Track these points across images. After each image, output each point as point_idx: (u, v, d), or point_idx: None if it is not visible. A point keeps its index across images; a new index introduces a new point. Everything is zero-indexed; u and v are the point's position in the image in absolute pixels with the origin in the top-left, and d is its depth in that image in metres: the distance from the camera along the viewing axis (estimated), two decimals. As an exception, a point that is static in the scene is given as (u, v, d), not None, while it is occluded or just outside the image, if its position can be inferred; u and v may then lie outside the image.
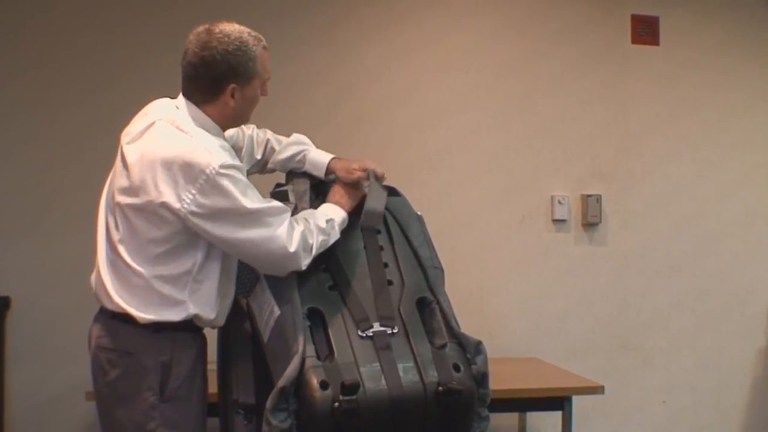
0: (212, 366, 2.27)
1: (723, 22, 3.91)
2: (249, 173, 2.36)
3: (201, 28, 2.05)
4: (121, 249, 2.00)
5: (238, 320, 2.25)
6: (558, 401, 3.07)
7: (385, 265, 2.15)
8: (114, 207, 2.05)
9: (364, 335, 1.96)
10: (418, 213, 2.36)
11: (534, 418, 3.59)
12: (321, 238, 2.05)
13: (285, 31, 3.50)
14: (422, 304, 2.09)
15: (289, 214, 2.03)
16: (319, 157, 2.32)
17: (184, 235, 1.97)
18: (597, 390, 3.08)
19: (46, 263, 3.27)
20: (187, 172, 1.91)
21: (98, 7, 3.36)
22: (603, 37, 3.79)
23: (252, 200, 1.96)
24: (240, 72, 2.02)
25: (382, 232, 2.23)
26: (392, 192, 2.39)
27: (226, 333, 2.27)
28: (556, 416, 3.10)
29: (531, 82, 3.72)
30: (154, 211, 1.95)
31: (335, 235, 2.10)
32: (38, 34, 3.32)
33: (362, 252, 2.16)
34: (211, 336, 2.28)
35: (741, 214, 3.90)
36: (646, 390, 3.79)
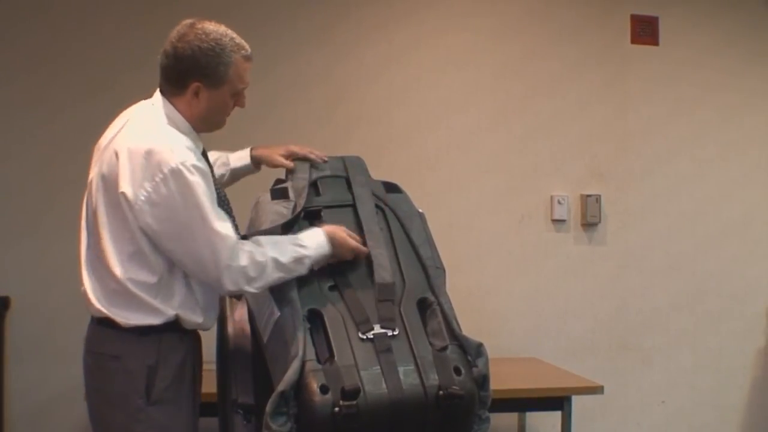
0: (211, 366, 2.27)
1: (722, 22, 3.91)
2: None
3: (187, 21, 2.03)
4: (98, 252, 1.98)
5: (237, 321, 2.25)
6: (557, 401, 3.07)
7: None
8: (90, 207, 2.02)
9: (365, 337, 1.95)
10: (420, 211, 2.34)
11: (533, 418, 3.59)
12: (278, 274, 1.99)
13: (284, 31, 3.50)
14: (423, 305, 2.08)
15: (235, 245, 1.94)
16: (239, 152, 2.38)
17: (145, 236, 1.94)
18: (596, 390, 3.09)
19: (45, 263, 3.28)
20: (147, 167, 1.89)
21: (98, 8, 3.36)
22: (602, 37, 3.79)
23: (205, 213, 1.91)
24: (208, 73, 1.98)
25: (383, 230, 2.21)
26: (393, 188, 2.37)
27: (225, 333, 2.27)
28: (556, 416, 3.10)
29: (531, 82, 3.72)
30: (118, 205, 1.92)
31: (301, 271, 2.03)
32: (37, 35, 3.32)
33: None
34: (211, 336, 2.28)
35: (740, 214, 3.90)
36: (645, 390, 3.79)
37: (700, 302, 3.85)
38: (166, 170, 1.88)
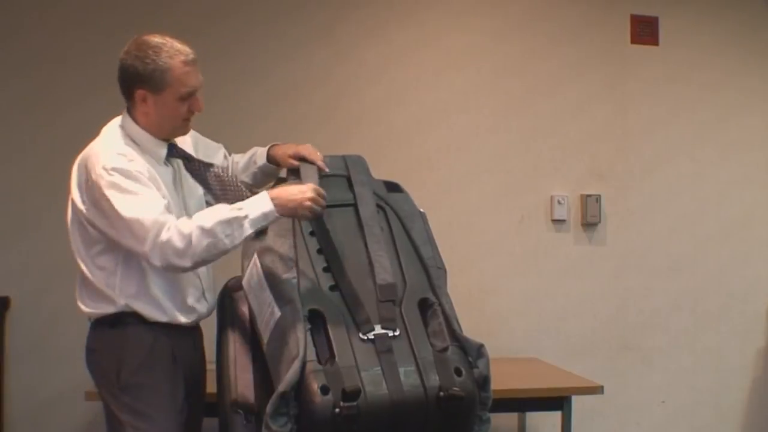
0: (211, 366, 2.28)
1: (723, 22, 3.91)
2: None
3: (134, 37, 2.16)
4: (74, 252, 2.18)
5: (237, 320, 2.25)
6: (557, 401, 3.07)
7: None
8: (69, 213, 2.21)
9: (366, 338, 1.95)
10: (421, 210, 2.34)
11: (533, 418, 3.59)
12: (206, 241, 1.99)
13: (284, 31, 3.50)
14: (424, 305, 2.07)
15: (156, 224, 1.99)
16: (265, 148, 2.42)
17: (98, 233, 2.11)
18: (596, 390, 3.08)
19: (46, 263, 3.27)
20: (83, 174, 2.10)
21: (98, 7, 3.36)
22: (602, 37, 3.78)
23: (121, 206, 2.01)
24: (146, 79, 2.10)
25: (384, 230, 2.21)
26: (395, 188, 2.36)
27: (224, 333, 2.27)
28: (556, 416, 3.10)
29: (531, 82, 3.72)
30: (74, 213, 2.15)
31: (240, 235, 2.02)
32: (38, 34, 3.32)
33: (363, 250, 2.14)
34: (211, 336, 2.28)
35: (740, 214, 3.90)
36: (645, 390, 3.79)
37: (700, 302, 3.85)
38: (92, 175, 2.05)
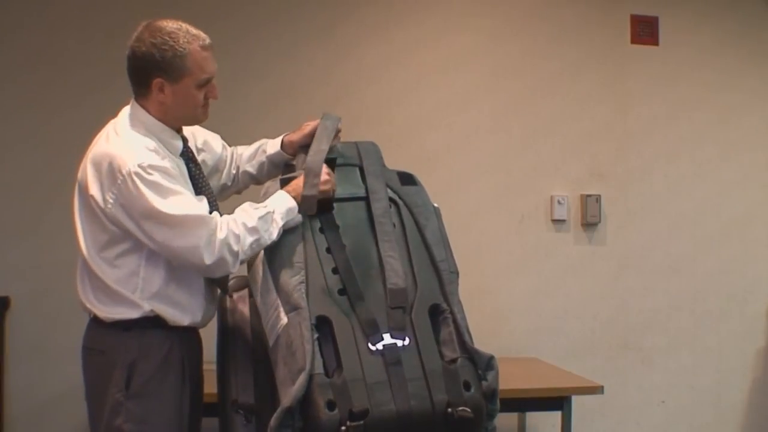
0: (211, 366, 2.27)
1: (722, 22, 3.91)
2: (229, 189, 2.42)
3: (144, 23, 2.08)
4: (84, 251, 2.06)
5: (238, 321, 2.24)
6: (557, 401, 3.07)
7: None
8: (77, 210, 2.10)
9: (374, 349, 1.89)
10: (435, 205, 2.26)
11: (533, 418, 3.59)
12: (251, 239, 2.00)
13: (285, 30, 3.50)
14: (435, 312, 2.01)
15: (212, 221, 1.97)
16: (276, 139, 2.38)
17: (122, 234, 2.01)
18: (596, 390, 3.09)
19: (46, 263, 3.27)
20: (109, 172, 1.97)
21: (98, 7, 3.36)
22: (602, 37, 3.79)
23: (170, 205, 1.95)
24: (165, 67, 2.01)
25: (396, 226, 2.13)
26: (409, 180, 2.29)
27: (225, 333, 2.26)
28: (556, 416, 3.10)
29: (530, 82, 3.72)
30: (90, 207, 2.01)
31: (275, 229, 2.03)
32: (37, 34, 3.32)
33: (374, 249, 2.08)
34: (211, 336, 2.28)
35: (740, 214, 3.90)
36: (645, 390, 3.79)
37: (700, 302, 3.85)
38: (124, 172, 1.95)
